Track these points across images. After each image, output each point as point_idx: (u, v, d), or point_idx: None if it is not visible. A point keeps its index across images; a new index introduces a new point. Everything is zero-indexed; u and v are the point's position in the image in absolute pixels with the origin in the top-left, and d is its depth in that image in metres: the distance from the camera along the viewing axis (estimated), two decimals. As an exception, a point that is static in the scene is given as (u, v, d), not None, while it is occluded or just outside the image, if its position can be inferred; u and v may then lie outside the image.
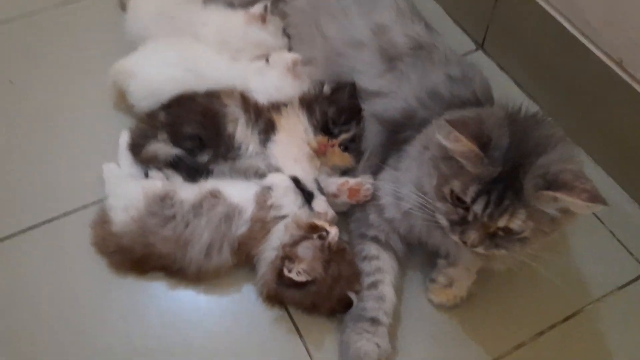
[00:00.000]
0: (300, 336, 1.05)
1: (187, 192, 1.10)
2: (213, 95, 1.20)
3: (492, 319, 1.08)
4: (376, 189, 1.10)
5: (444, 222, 0.93)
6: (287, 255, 1.01)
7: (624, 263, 1.16)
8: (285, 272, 0.99)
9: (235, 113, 1.17)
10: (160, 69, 1.23)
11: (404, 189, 1.02)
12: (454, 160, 0.88)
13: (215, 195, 1.08)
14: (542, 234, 0.87)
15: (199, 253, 1.04)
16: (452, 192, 0.89)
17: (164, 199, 1.08)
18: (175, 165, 1.15)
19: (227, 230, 1.05)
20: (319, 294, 1.01)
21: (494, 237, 0.89)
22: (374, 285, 1.05)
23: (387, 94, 1.15)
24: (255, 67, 1.24)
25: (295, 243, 1.02)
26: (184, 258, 1.05)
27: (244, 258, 1.07)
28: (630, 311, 1.10)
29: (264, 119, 1.17)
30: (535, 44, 1.34)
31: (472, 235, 0.88)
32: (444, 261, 1.07)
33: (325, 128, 1.16)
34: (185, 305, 1.09)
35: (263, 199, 1.07)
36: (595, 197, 0.80)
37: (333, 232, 1.02)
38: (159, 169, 1.16)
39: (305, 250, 1.01)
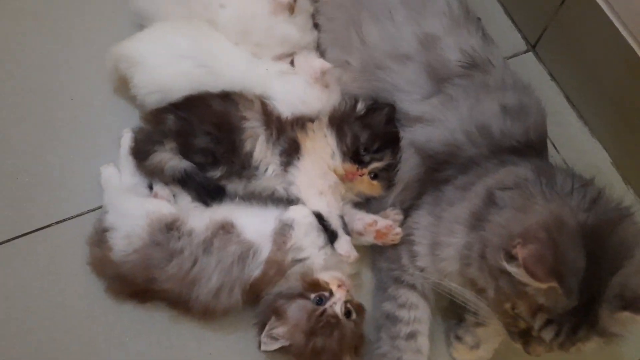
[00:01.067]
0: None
1: (197, 220, 0.98)
2: (230, 101, 1.04)
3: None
4: (410, 232, 0.99)
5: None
6: (277, 310, 0.91)
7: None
8: (265, 330, 0.90)
9: (255, 128, 1.02)
10: (169, 61, 1.06)
11: (443, 250, 0.91)
12: (519, 282, 0.75)
13: (228, 228, 0.96)
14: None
15: (207, 294, 0.94)
16: (513, 310, 0.78)
17: (171, 228, 0.96)
18: (183, 181, 1.02)
19: (239, 273, 0.94)
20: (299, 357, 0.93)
21: None
22: (412, 336, 0.97)
23: (430, 122, 1.00)
24: (278, 69, 1.07)
25: (290, 297, 0.93)
26: (190, 296, 0.95)
27: (253, 299, 0.97)
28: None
29: (287, 137, 1.03)
30: (595, 58, 1.17)
31: (538, 350, 0.79)
32: (473, 318, 0.98)
33: (355, 154, 1.02)
34: (188, 341, 1.00)
35: (282, 239, 0.96)
36: None
37: (338, 294, 0.92)
38: (166, 183, 1.03)
39: (295, 311, 0.91)
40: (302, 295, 0.92)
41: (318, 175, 1.01)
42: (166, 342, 1.00)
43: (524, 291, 0.75)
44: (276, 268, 0.95)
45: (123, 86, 1.12)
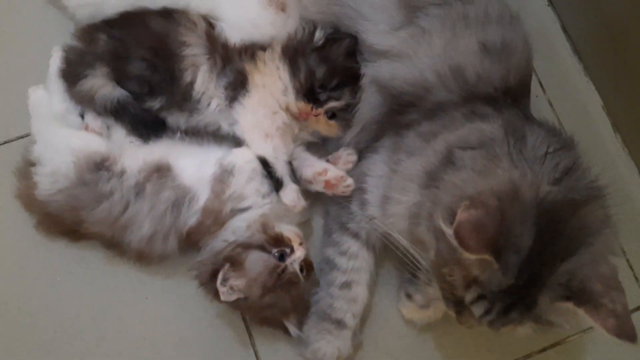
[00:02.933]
0: (249, 335, 0.95)
1: (131, 159, 0.89)
2: (172, 22, 0.91)
3: (466, 342, 0.97)
4: (362, 180, 0.91)
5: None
6: (233, 259, 0.85)
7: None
8: (219, 279, 0.83)
9: (196, 57, 0.89)
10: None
11: (393, 206, 0.82)
12: (459, 252, 0.67)
13: (163, 172, 0.87)
14: (545, 331, 0.72)
15: (139, 241, 0.87)
16: (450, 277, 0.71)
17: (101, 168, 0.87)
18: (116, 112, 0.91)
19: (173, 221, 0.87)
20: (247, 310, 0.89)
21: None
22: (347, 285, 0.92)
23: (397, 57, 0.89)
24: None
25: (248, 247, 0.86)
26: (122, 240, 0.88)
27: (192, 246, 0.91)
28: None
29: (234, 68, 0.90)
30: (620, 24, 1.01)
31: (469, 322, 0.73)
32: (425, 277, 0.92)
33: (310, 92, 0.90)
34: (123, 283, 0.95)
35: (220, 186, 0.87)
36: (622, 331, 0.64)
37: (298, 253, 0.86)
38: (98, 113, 0.93)
39: (254, 263, 0.85)
40: (262, 248, 0.86)
41: (265, 115, 0.90)
42: (100, 283, 0.94)
43: (459, 259, 0.68)
44: (213, 218, 0.87)
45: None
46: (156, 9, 0.92)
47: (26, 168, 0.91)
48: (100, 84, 0.90)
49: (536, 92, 1.07)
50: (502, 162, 0.73)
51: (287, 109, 0.91)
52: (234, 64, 0.90)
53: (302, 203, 0.90)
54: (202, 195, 0.87)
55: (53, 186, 0.87)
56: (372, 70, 0.91)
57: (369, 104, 0.92)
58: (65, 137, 0.90)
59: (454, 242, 0.66)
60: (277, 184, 0.89)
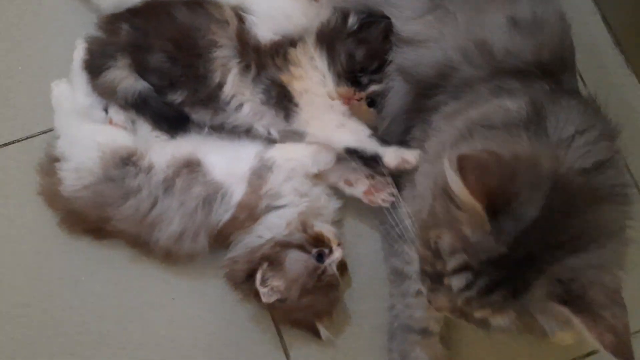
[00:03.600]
0: (281, 338, 0.90)
1: (158, 154, 0.85)
2: (200, 14, 0.87)
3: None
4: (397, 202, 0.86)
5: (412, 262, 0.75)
6: (272, 258, 0.81)
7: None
8: (258, 279, 0.80)
9: (227, 59, 0.86)
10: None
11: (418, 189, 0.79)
12: (453, 206, 0.61)
13: (193, 167, 0.84)
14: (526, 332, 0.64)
15: (168, 238, 0.84)
16: (436, 242, 0.64)
17: (127, 163, 0.84)
18: (137, 106, 0.88)
19: (204, 218, 0.83)
20: (281, 311, 0.85)
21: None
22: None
23: (422, 44, 0.84)
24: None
25: (287, 246, 0.82)
26: (150, 238, 0.85)
27: (222, 243, 0.87)
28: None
29: (270, 77, 0.86)
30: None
31: (440, 302, 0.66)
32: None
33: (351, 75, 0.87)
34: (149, 284, 0.91)
35: (258, 182, 0.83)
36: (620, 350, 0.56)
37: (337, 254, 0.82)
38: (121, 107, 0.89)
39: (293, 264, 0.81)
40: (301, 247, 0.82)
41: (325, 112, 0.87)
42: (125, 284, 0.91)
43: (454, 217, 0.61)
44: (248, 213, 0.84)
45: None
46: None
47: (50, 164, 0.88)
48: (122, 75, 0.87)
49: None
50: (524, 138, 0.67)
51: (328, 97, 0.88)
52: (269, 71, 0.86)
53: (413, 155, 0.84)
54: (236, 191, 0.84)
55: (78, 182, 0.84)
56: (398, 58, 0.86)
57: (396, 94, 0.88)
58: (90, 132, 0.87)
59: (454, 181, 0.59)
60: (374, 160, 0.85)
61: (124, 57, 0.87)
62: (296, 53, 0.87)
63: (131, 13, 0.88)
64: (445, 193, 0.62)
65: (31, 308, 0.89)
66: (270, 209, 0.85)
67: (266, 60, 0.86)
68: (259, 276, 0.80)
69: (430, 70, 0.83)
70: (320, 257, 0.82)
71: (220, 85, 0.86)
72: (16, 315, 0.89)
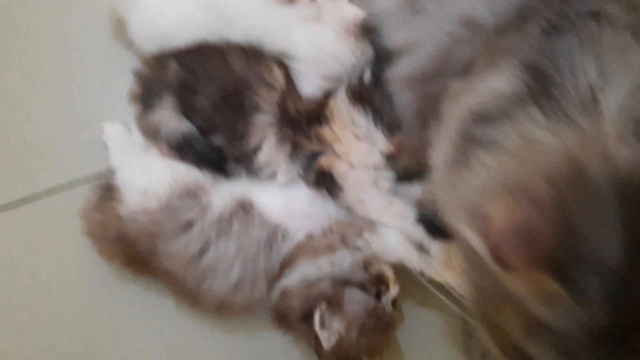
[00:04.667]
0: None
1: (219, 193, 0.83)
2: (253, 67, 0.84)
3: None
4: None
5: None
6: (330, 299, 0.77)
7: None
8: (316, 321, 0.76)
9: (265, 126, 0.83)
10: (171, 0, 0.87)
11: None
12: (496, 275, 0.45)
13: (246, 208, 0.81)
14: None
15: (224, 287, 0.80)
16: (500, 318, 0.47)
17: (191, 195, 0.81)
18: (181, 150, 0.85)
19: (266, 263, 0.80)
20: (331, 350, 0.79)
21: None
22: None
23: (412, 48, 0.76)
24: (300, 14, 0.86)
25: (346, 284, 0.79)
26: (199, 286, 0.80)
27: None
28: None
29: (307, 155, 0.83)
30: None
31: None
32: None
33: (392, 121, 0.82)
34: (196, 339, 0.87)
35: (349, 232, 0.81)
36: None
37: (393, 292, 0.79)
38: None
39: (353, 303, 0.77)
40: (361, 286, 0.79)
41: (369, 185, 0.82)
42: (170, 337, 0.87)
43: (501, 289, 0.45)
44: (309, 253, 0.80)
45: (122, 30, 0.93)
46: (240, 44, 0.86)
47: (105, 192, 0.84)
48: (166, 117, 0.85)
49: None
50: (539, 126, 0.49)
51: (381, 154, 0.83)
52: (305, 150, 0.83)
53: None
54: (292, 228, 0.81)
55: (140, 204, 0.80)
56: (398, 72, 0.78)
57: (403, 106, 0.80)
58: (162, 162, 0.85)
59: (490, 259, 0.44)
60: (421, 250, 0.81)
61: (169, 95, 0.84)
62: (335, 129, 0.83)
63: (181, 53, 0.86)
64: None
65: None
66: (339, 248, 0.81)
67: (301, 140, 0.83)
68: (317, 318, 0.76)
69: (427, 64, 0.74)
70: (377, 295, 0.79)
71: (255, 150, 0.83)
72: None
